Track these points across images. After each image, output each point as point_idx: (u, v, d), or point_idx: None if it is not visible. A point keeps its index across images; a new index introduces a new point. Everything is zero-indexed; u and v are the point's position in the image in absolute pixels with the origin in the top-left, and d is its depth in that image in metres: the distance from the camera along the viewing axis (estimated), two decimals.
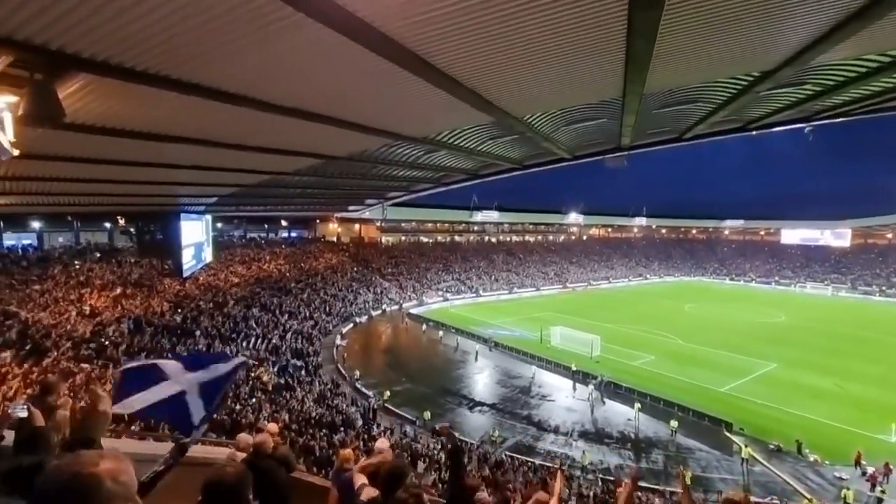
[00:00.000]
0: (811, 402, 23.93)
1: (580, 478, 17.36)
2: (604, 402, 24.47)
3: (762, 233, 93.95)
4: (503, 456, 18.59)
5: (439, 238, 75.15)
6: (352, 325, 40.26)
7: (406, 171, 19.77)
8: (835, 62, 9.38)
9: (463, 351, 34.09)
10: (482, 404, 24.57)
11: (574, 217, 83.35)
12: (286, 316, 34.75)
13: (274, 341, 28.94)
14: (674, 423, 21.12)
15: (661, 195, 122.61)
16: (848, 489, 15.89)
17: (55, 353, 18.50)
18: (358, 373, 27.27)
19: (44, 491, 1.04)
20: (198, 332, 26.21)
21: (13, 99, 5.45)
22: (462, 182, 24.45)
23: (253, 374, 22.43)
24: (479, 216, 71.26)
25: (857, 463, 17.76)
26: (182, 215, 24.92)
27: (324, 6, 4.27)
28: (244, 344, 27.03)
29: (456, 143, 14.27)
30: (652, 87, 9.21)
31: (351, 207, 41.00)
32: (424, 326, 40.51)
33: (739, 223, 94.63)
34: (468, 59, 6.32)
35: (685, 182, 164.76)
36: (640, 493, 16.06)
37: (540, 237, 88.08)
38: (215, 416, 10.04)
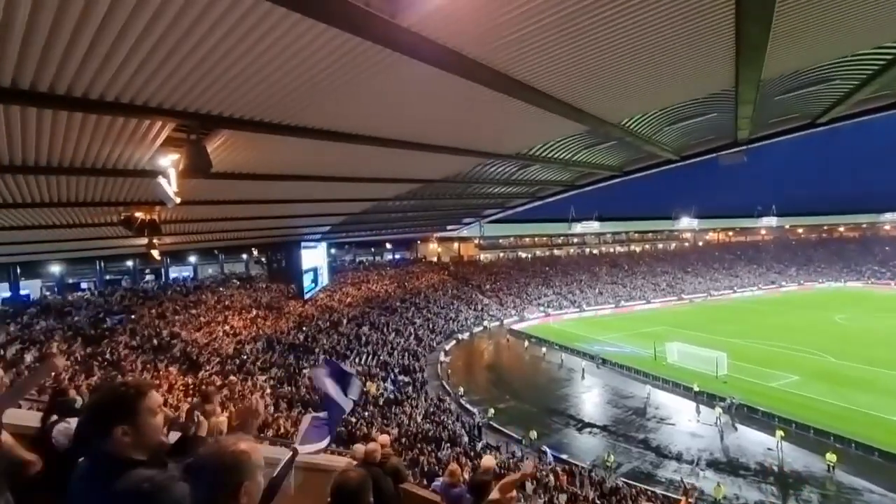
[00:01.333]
0: None
1: None
2: (735, 428, 21.64)
3: None
4: (618, 482, 17.31)
5: (538, 252, 73.69)
6: (454, 341, 40.95)
7: (500, 188, 19.92)
8: None
9: (568, 368, 32.71)
10: (592, 425, 23.23)
11: (686, 222, 76.26)
12: (393, 334, 36.54)
13: (383, 357, 30.57)
14: (831, 457, 17.86)
15: (794, 190, 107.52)
16: None
17: (208, 368, 21.60)
18: (462, 389, 27.54)
19: (204, 464, 1.37)
20: (317, 349, 28.72)
21: (175, 157, 6.69)
22: (558, 194, 23.92)
23: (364, 389, 23.90)
24: (579, 227, 68.70)
25: None
26: (302, 244, 27.82)
27: (414, 42, 4.59)
28: (357, 360, 28.94)
29: (549, 155, 14.08)
30: (772, 72, 8.26)
31: (449, 227, 42.24)
32: (526, 343, 39.72)
33: None
34: (556, 72, 6.28)
35: (824, 173, 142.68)
36: None
37: (647, 246, 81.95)
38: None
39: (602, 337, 40.57)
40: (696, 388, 25.37)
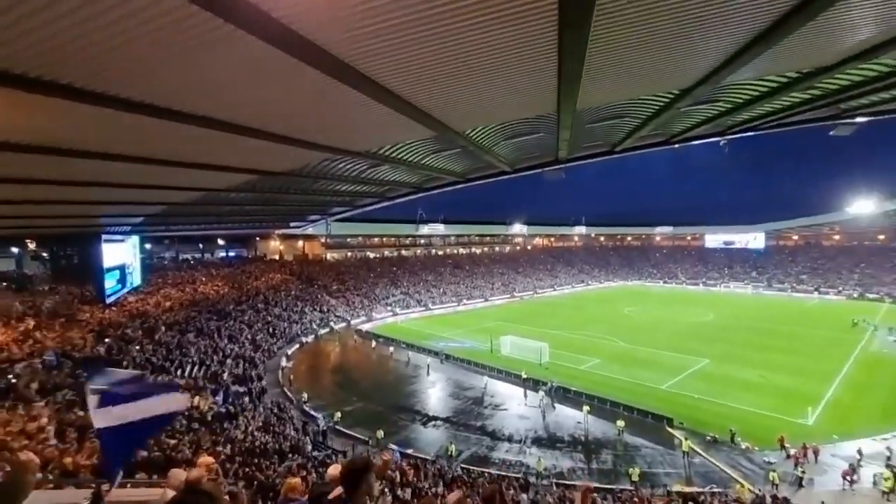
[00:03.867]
0: (740, 393, 25.81)
1: (537, 484, 17.56)
2: (554, 408, 25.01)
3: (689, 238, 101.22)
4: (458, 469, 18.45)
5: (386, 252, 74.59)
6: (298, 345, 38.74)
7: (349, 185, 19.51)
8: (742, 82, 10.40)
9: (414, 365, 33.73)
10: (436, 418, 24.34)
11: (518, 228, 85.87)
12: (226, 340, 32.81)
13: (213, 368, 27.17)
14: (620, 423, 21.94)
15: (599, 205, 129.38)
16: (774, 471, 17.22)
17: None
18: (306, 395, 26.18)
19: None
20: (125, 363, 24.07)
21: None
22: (407, 196, 24.49)
23: (190, 405, 20.89)
24: (426, 229, 71.66)
25: (782, 446, 19.31)
26: (104, 237, 23.04)
27: (256, 18, 4.13)
28: (178, 372, 25.13)
29: (399, 157, 14.28)
30: (583, 104, 9.73)
31: (293, 224, 39.77)
32: (374, 343, 39.75)
33: (669, 230, 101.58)
34: (408, 75, 6.36)
35: (620, 192, 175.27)
36: (594, 494, 16.47)
37: (486, 248, 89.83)
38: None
39: (446, 334, 42.92)
40: (524, 376, 28.59)
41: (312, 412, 24.30)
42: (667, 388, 27.44)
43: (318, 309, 47.95)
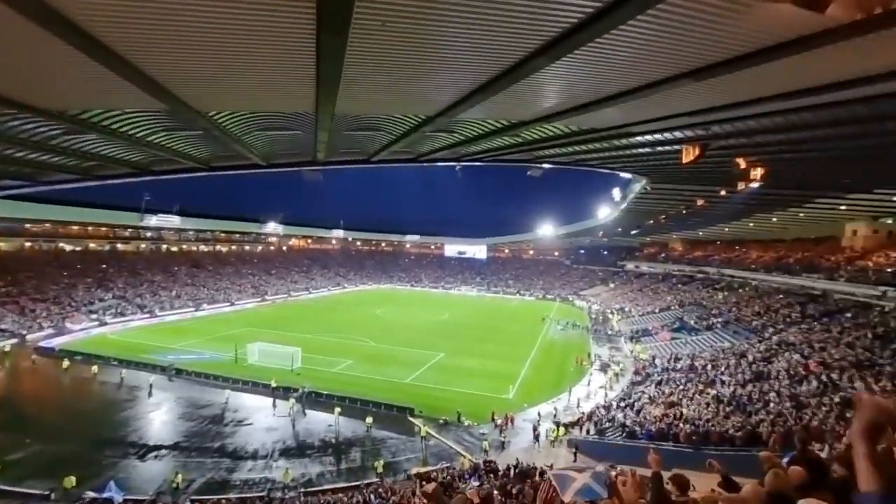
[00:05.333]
0: (466, 379, 30.70)
1: (281, 498, 16.62)
2: (305, 414, 24.32)
3: (432, 246, 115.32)
4: (188, 502, 15.85)
5: (92, 245, 58.83)
6: None
7: (31, 153, 14.44)
8: (473, 120, 12.47)
9: (131, 387, 27.38)
10: (159, 447, 20.30)
11: (273, 227, 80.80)
12: None
13: None
14: (369, 420, 22.96)
15: (357, 210, 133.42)
16: (486, 440, 21.16)
17: None
18: None
19: None
20: None
21: None
22: (126, 177, 19.62)
23: None
24: (154, 220, 59.88)
25: (493, 419, 23.85)
26: None
27: None
28: None
29: (114, 127, 11.39)
30: (342, 110, 9.87)
31: None
32: (66, 362, 30.44)
33: (417, 238, 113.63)
34: (130, 31, 5.12)
35: (377, 200, 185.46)
36: (340, 494, 16.69)
37: (235, 247, 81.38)
38: None
39: (178, 345, 36.55)
40: (274, 384, 26.83)
41: None
42: (409, 381, 30.32)
43: None
